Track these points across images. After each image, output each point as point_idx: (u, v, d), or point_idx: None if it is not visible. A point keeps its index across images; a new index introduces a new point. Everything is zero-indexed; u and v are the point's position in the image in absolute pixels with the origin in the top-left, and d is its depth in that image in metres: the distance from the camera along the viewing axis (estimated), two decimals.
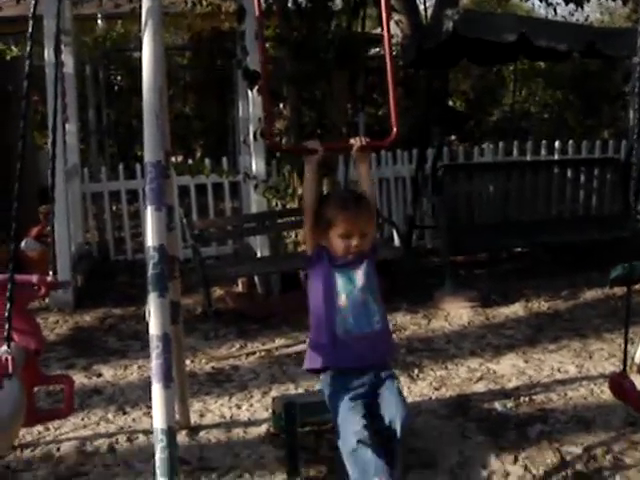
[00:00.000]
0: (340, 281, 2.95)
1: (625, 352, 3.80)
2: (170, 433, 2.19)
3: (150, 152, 2.39)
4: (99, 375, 5.10)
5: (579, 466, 3.71)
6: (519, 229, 7.61)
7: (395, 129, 3.23)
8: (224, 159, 8.22)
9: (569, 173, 8.20)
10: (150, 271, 2.21)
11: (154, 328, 2.22)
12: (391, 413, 2.93)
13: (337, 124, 6.69)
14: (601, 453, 3.78)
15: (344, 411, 2.89)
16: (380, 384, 3.05)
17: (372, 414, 2.94)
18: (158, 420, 2.20)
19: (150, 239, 2.24)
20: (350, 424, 2.83)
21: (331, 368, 3.04)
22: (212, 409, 4.50)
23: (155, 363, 2.23)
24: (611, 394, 3.93)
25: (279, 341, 5.60)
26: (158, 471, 2.19)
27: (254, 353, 5.39)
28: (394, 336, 5.51)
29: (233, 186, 8.42)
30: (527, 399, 4.50)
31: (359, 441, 2.78)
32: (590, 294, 6.63)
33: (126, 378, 5.03)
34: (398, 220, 8.06)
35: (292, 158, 6.76)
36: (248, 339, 5.66)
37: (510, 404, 4.39)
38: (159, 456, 2.19)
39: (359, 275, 2.97)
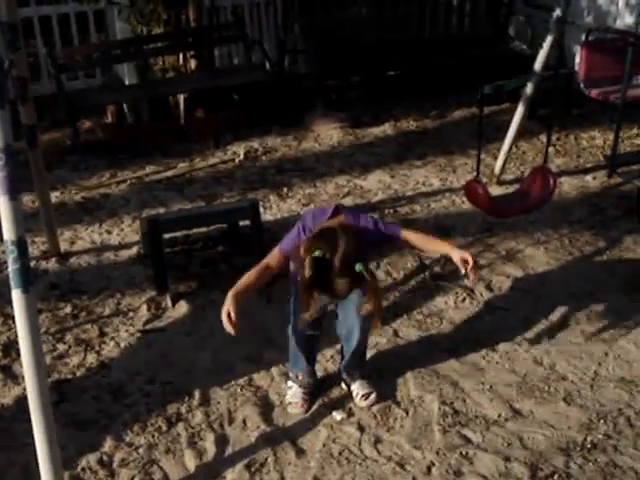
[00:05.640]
0: None
1: (478, 159, 3.97)
2: (20, 244, 2.17)
3: None
4: None
5: (437, 268, 3.96)
6: (392, 51, 7.56)
7: None
8: None
9: None
10: None
11: None
12: (345, 329, 2.90)
13: None
14: None
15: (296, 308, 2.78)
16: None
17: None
18: (7, 232, 2.18)
19: None
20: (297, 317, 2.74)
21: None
22: (82, 236, 4.50)
23: None
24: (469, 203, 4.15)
25: (150, 168, 5.55)
26: (12, 283, 2.18)
27: (125, 181, 5.34)
28: (264, 158, 5.59)
29: (99, 17, 7.98)
30: (392, 211, 4.68)
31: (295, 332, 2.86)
32: (458, 113, 6.76)
33: None
34: (270, 44, 7.90)
35: None
36: (118, 168, 5.58)
37: (375, 215, 4.52)
38: (12, 267, 2.17)
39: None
